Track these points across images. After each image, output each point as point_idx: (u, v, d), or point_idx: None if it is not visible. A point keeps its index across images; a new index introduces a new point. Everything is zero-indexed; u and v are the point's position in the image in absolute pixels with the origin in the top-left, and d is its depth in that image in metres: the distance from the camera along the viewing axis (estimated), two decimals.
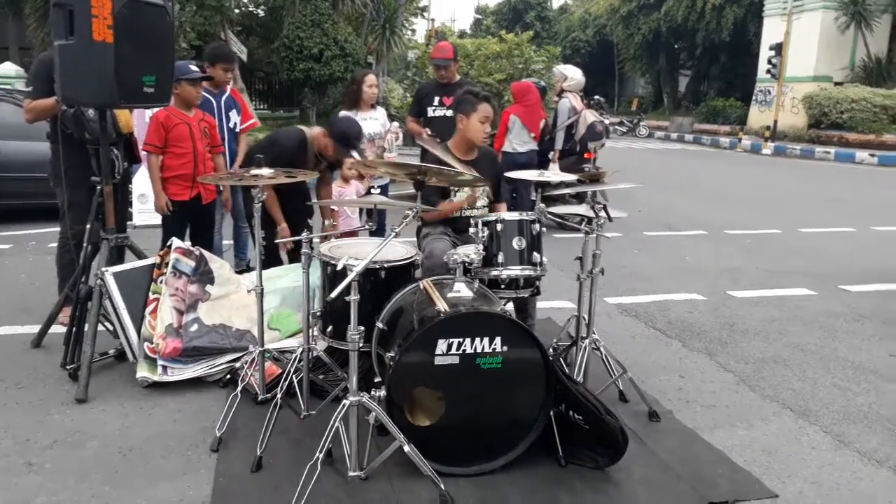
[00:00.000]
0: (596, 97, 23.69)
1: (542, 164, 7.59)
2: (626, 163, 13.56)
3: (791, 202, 6.42)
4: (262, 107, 21.72)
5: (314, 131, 4.24)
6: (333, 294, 2.37)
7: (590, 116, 7.80)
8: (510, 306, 3.54)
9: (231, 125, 5.08)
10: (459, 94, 3.82)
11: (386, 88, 15.44)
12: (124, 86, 3.34)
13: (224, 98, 5.05)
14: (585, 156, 7.86)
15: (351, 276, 2.38)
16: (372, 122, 5.39)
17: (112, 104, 3.52)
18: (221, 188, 4.68)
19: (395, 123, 5.74)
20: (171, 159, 4.21)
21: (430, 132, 5.45)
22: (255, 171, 3.01)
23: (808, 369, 3.99)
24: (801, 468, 2.93)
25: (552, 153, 7.65)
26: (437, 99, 5.63)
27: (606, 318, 4.76)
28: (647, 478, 2.81)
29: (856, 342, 4.45)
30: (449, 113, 5.16)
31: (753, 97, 23.70)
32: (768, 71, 21.56)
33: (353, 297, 2.46)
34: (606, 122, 23.59)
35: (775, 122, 20.74)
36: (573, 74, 7.88)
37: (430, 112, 5.67)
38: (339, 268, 2.48)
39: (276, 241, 3.96)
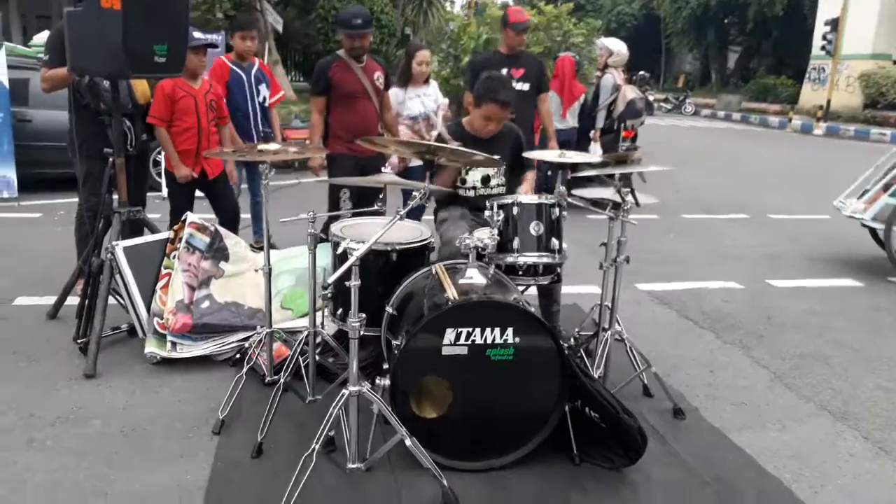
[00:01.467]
0: (641, 72, 23.06)
1: (583, 142, 7.35)
2: (668, 141, 13.17)
3: (841, 186, 6.04)
4: (299, 79, 21.65)
5: None
6: (332, 279, 2.23)
7: (630, 93, 7.46)
8: (533, 290, 3.39)
9: (261, 99, 5.04)
10: (482, 78, 3.56)
11: None
12: (134, 55, 3.24)
13: (254, 71, 5.00)
14: (624, 134, 7.56)
15: (351, 260, 2.24)
16: (423, 98, 5.12)
17: (121, 74, 3.42)
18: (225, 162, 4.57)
19: (446, 101, 5.44)
20: (175, 134, 4.12)
21: None
22: (260, 147, 2.88)
23: (850, 368, 3.73)
24: (835, 477, 2.72)
25: (593, 132, 7.37)
26: (504, 71, 5.08)
27: (636, 306, 4.55)
28: (666, 480, 2.64)
29: None
30: (519, 86, 4.93)
31: (806, 75, 22.72)
32: (823, 47, 20.59)
33: (354, 283, 2.32)
34: (651, 98, 23.11)
35: (829, 101, 19.86)
36: (618, 49, 7.50)
37: None
38: (338, 252, 2.33)
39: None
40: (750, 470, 2.73)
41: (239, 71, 4.94)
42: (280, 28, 14.33)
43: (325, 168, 4.63)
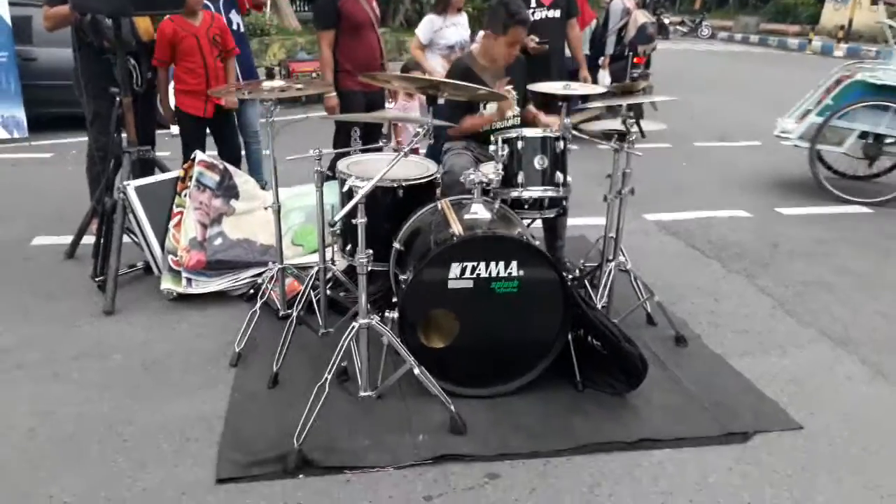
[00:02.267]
0: None
1: (592, 70, 7.21)
2: (682, 67, 12.90)
3: None
4: (303, 8, 21.14)
5: None
6: (338, 217, 2.28)
7: (640, 17, 7.28)
8: (538, 223, 3.42)
9: (235, 28, 4.56)
10: (495, 5, 3.49)
11: None
12: None
13: (222, 1, 4.56)
14: (636, 60, 7.41)
15: (356, 198, 2.28)
16: (458, 27, 5.01)
17: (122, 11, 3.40)
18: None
19: (481, 32, 5.28)
20: (183, 73, 4.10)
21: (536, 39, 4.79)
22: (265, 84, 2.89)
23: (853, 295, 3.78)
24: (832, 400, 2.81)
25: (602, 59, 7.23)
26: (533, 0, 4.96)
27: (643, 236, 4.58)
28: (666, 405, 2.73)
29: None
30: (551, 13, 4.80)
31: None
32: None
33: (360, 220, 2.36)
34: (666, 21, 22.42)
35: (850, 20, 19.21)
36: None
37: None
38: (343, 189, 2.37)
39: None
40: (749, 394, 2.82)
41: (205, 1, 4.37)
42: None
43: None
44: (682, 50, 19.12)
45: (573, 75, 5.38)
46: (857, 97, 5.33)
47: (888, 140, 5.49)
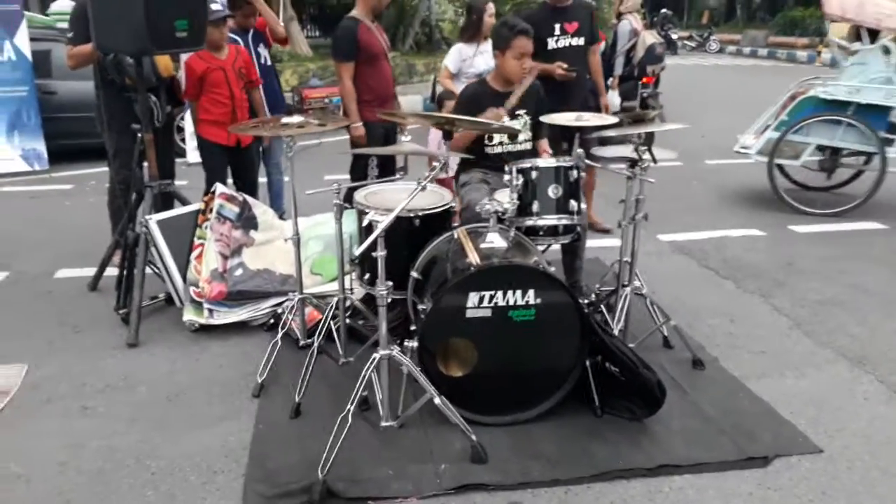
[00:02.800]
0: (663, 11, 22.34)
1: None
2: (692, 83, 12.95)
3: None
4: (315, 34, 21.46)
5: None
6: (359, 251, 2.34)
7: (649, 38, 7.36)
8: (557, 246, 3.47)
9: (263, 62, 4.78)
10: (495, 26, 3.58)
11: (439, 10, 14.97)
12: (156, 32, 3.30)
13: (250, 35, 4.73)
14: (645, 80, 7.48)
15: (376, 232, 2.34)
16: (488, 56, 4.89)
17: (144, 51, 3.49)
18: None
19: None
20: (209, 104, 4.21)
21: (564, 66, 4.59)
22: (284, 120, 2.96)
23: (869, 313, 3.79)
24: (851, 421, 2.81)
25: (611, 79, 7.30)
26: (556, 27, 4.70)
27: (657, 258, 4.61)
28: (685, 430, 2.75)
29: None
30: (574, 42, 4.67)
31: None
32: None
33: (380, 253, 2.42)
34: (674, 37, 22.27)
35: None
36: None
37: (552, 44, 4.67)
38: (364, 224, 2.43)
39: None
40: (767, 417, 2.83)
41: (234, 37, 4.59)
42: None
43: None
44: (690, 65, 19.21)
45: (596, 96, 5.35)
46: (811, 112, 5.51)
47: (845, 152, 5.64)
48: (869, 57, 5.49)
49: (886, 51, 5.39)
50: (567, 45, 4.70)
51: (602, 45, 7.34)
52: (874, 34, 5.58)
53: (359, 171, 4.38)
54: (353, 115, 4.25)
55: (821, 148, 5.60)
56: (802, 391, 3.04)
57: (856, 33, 5.89)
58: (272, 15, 4.94)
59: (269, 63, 4.90)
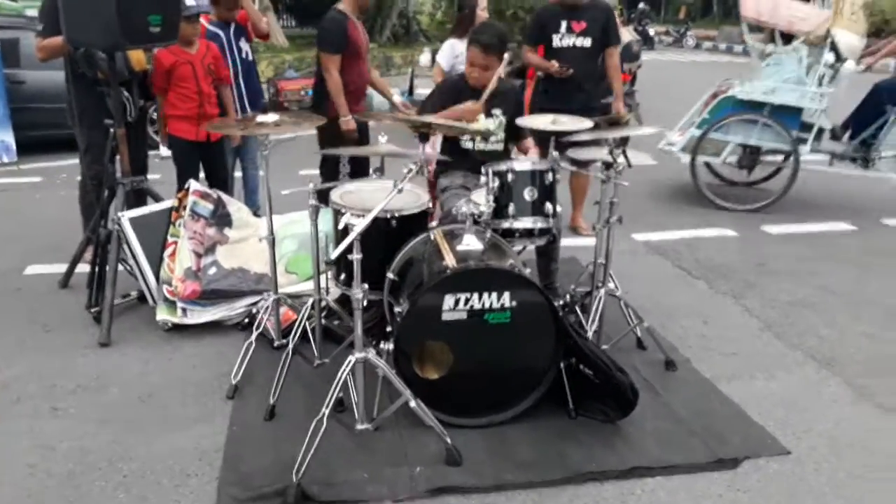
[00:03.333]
0: (641, 6, 22.44)
1: None
2: (669, 80, 13.03)
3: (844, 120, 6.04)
4: (290, 24, 21.23)
5: None
6: (334, 254, 2.33)
7: (626, 36, 7.42)
8: (532, 247, 3.48)
9: (244, 56, 4.68)
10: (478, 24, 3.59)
11: (417, 2, 14.90)
12: (128, 26, 3.27)
13: (232, 29, 4.61)
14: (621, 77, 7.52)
15: (351, 236, 2.33)
16: None
17: (116, 46, 3.43)
18: None
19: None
20: (176, 98, 4.14)
21: (558, 64, 4.56)
22: (260, 119, 2.93)
23: (838, 315, 3.86)
24: (818, 422, 2.87)
25: None
26: (563, 25, 4.62)
27: (631, 257, 4.65)
28: (658, 431, 2.78)
29: (892, 283, 4.28)
30: (579, 42, 4.59)
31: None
32: None
33: (356, 257, 2.41)
34: (651, 32, 22.36)
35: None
36: None
37: (556, 41, 4.63)
38: (339, 227, 2.42)
39: None
40: (737, 419, 2.88)
41: (216, 30, 4.51)
42: None
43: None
44: (667, 61, 19.33)
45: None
46: (730, 111, 5.68)
47: (764, 150, 5.81)
48: (783, 58, 5.67)
49: (798, 53, 5.60)
50: (571, 44, 4.62)
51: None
52: (788, 37, 5.71)
53: (328, 168, 4.34)
54: (343, 109, 4.15)
55: (741, 145, 5.78)
56: (772, 393, 3.09)
57: (771, 35, 6.03)
58: (256, 11, 4.86)
59: (250, 58, 4.80)
